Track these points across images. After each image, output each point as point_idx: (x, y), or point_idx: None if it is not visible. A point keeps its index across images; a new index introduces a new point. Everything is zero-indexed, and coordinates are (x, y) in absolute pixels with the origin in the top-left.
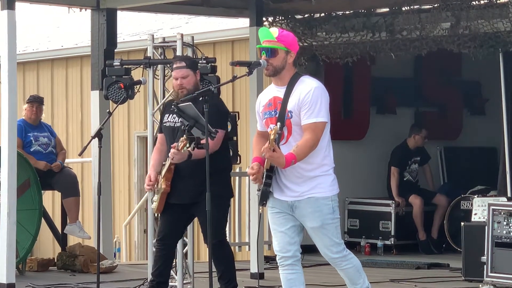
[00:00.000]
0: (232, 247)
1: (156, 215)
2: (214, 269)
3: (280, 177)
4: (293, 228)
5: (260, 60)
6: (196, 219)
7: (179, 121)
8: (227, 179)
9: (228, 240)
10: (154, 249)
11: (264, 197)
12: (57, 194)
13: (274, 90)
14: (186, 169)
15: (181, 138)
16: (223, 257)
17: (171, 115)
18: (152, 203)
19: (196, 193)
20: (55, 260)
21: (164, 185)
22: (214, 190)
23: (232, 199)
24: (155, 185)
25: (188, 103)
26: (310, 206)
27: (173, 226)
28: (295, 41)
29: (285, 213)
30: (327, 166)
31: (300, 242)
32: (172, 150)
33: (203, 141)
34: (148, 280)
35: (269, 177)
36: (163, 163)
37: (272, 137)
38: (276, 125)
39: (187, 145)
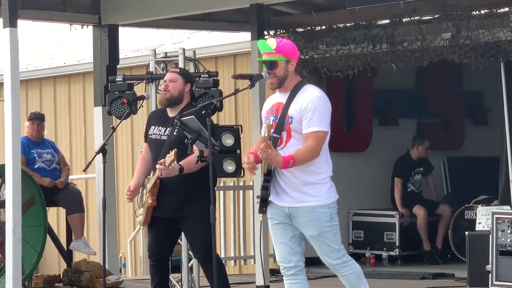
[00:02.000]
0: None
1: (142, 228)
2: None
3: (278, 181)
4: (294, 238)
5: (262, 73)
6: None
7: (165, 134)
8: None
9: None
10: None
11: (263, 203)
12: (62, 211)
13: (278, 97)
14: (171, 183)
15: (168, 154)
16: (216, 270)
17: (157, 127)
18: (138, 217)
19: (180, 206)
20: (61, 277)
21: (150, 200)
22: (201, 204)
23: (236, 213)
24: (138, 198)
25: (191, 116)
26: (307, 215)
27: (161, 240)
28: (295, 49)
29: (284, 223)
30: (324, 174)
31: (303, 251)
32: (159, 167)
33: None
34: None
35: (267, 181)
36: (148, 177)
37: (266, 134)
38: (269, 122)
39: (175, 162)
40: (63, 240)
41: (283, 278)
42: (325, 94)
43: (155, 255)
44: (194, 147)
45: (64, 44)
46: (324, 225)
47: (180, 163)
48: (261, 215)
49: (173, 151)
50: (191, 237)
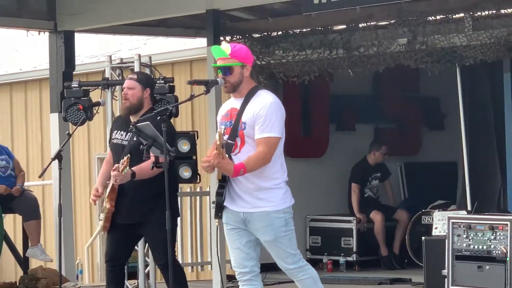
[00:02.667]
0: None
1: (100, 234)
2: None
3: (233, 187)
4: (249, 244)
5: (217, 79)
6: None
7: (126, 139)
8: (173, 199)
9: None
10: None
11: (218, 208)
12: (18, 218)
13: (232, 102)
14: (130, 189)
15: (122, 160)
16: (176, 277)
17: (119, 131)
18: (100, 222)
19: (141, 212)
20: (17, 284)
21: (109, 205)
22: (162, 211)
23: (193, 219)
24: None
25: (146, 122)
26: (261, 220)
27: (119, 245)
28: (249, 53)
29: (239, 228)
30: (279, 179)
31: (258, 256)
32: (113, 173)
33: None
34: None
35: (221, 187)
36: (107, 181)
37: (218, 142)
38: (220, 130)
39: (127, 167)
40: (19, 247)
41: (239, 283)
42: (279, 100)
43: (112, 260)
44: (151, 153)
45: (20, 50)
46: (279, 230)
47: (132, 168)
48: (217, 220)
49: (126, 157)
50: (152, 243)
